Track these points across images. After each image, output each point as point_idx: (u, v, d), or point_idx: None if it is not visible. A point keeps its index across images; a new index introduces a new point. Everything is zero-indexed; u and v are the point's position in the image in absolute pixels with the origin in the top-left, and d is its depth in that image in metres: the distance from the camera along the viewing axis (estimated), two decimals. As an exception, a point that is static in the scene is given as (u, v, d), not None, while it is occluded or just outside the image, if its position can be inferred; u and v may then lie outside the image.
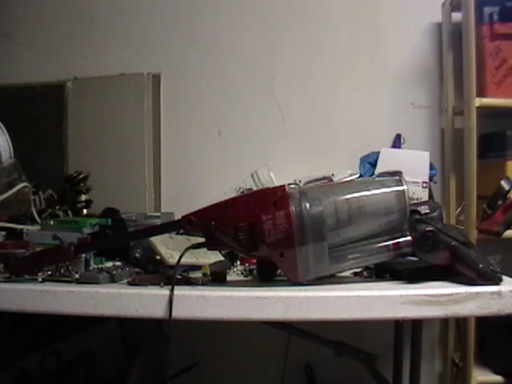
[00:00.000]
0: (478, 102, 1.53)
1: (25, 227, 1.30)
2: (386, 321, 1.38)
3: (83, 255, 1.06)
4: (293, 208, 0.94)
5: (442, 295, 0.88)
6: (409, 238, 0.97)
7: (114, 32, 1.94)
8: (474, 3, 1.53)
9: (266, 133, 1.87)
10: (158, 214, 1.59)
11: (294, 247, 0.94)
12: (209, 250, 1.04)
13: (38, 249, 1.10)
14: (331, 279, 0.98)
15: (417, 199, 1.48)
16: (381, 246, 0.98)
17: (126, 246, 1.17)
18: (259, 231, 0.94)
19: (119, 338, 1.75)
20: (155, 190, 1.87)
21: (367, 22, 1.85)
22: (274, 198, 0.96)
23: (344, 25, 1.86)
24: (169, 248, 1.13)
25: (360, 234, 0.98)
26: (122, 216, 1.41)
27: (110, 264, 1.17)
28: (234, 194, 1.56)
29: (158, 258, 1.12)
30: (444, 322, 1.76)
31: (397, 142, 1.75)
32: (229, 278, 1.08)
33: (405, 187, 0.99)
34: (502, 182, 1.45)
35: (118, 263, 1.18)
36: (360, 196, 0.98)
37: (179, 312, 0.90)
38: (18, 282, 1.00)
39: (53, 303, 0.94)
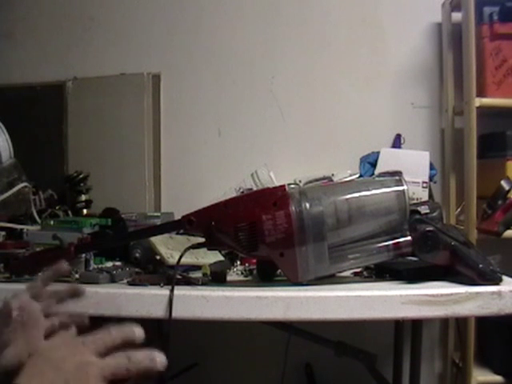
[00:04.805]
0: (478, 101, 1.53)
1: (25, 227, 1.30)
2: (386, 321, 1.38)
3: (83, 255, 1.06)
4: (293, 208, 0.94)
5: (442, 295, 0.88)
6: (409, 238, 0.97)
7: (114, 32, 1.94)
8: (474, 3, 1.53)
9: (265, 133, 1.87)
10: (158, 213, 1.59)
11: (294, 247, 0.94)
12: (209, 250, 1.04)
13: (38, 249, 1.10)
14: (331, 279, 0.98)
15: (417, 199, 1.48)
16: (381, 246, 0.98)
17: (125, 246, 1.17)
18: (259, 231, 0.94)
19: (119, 338, 1.74)
20: (155, 189, 1.87)
21: (367, 22, 1.85)
22: (274, 197, 0.96)
23: (344, 25, 1.86)
24: (169, 248, 1.13)
25: (360, 234, 0.98)
26: (122, 216, 1.41)
27: (110, 264, 1.17)
28: (234, 194, 1.56)
29: (158, 257, 1.12)
30: (444, 321, 1.76)
31: (397, 142, 1.75)
32: (229, 278, 1.08)
33: (405, 187, 0.99)
34: (502, 182, 1.45)
35: (117, 263, 1.18)
36: (360, 196, 0.98)
37: (179, 312, 0.90)
38: (18, 282, 1.00)
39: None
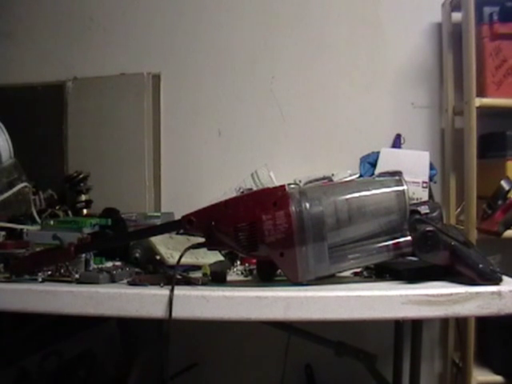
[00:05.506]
0: (478, 101, 1.53)
1: (25, 227, 1.30)
2: (386, 321, 1.38)
3: (83, 255, 1.06)
4: (293, 208, 0.94)
5: (441, 295, 0.88)
6: (409, 238, 0.97)
7: (114, 32, 1.94)
8: (474, 3, 1.53)
9: (265, 133, 1.87)
10: (158, 213, 1.59)
11: (294, 247, 0.94)
12: (209, 250, 1.04)
13: (38, 249, 1.10)
14: (331, 279, 0.98)
15: (417, 199, 1.48)
16: (381, 246, 0.98)
17: (125, 246, 1.17)
18: (259, 231, 0.94)
19: (119, 338, 1.75)
20: (155, 189, 1.87)
21: (367, 22, 1.85)
22: (274, 198, 0.96)
23: (344, 24, 1.86)
24: (169, 248, 1.13)
25: (360, 233, 0.98)
26: (122, 216, 1.41)
27: (110, 264, 1.17)
28: (234, 194, 1.56)
29: (158, 257, 1.12)
30: (444, 321, 1.76)
31: (397, 142, 1.75)
32: (229, 278, 1.08)
33: (405, 187, 0.99)
34: (502, 182, 1.45)
35: (117, 263, 1.18)
36: (360, 196, 0.98)
37: (179, 312, 0.90)
38: (18, 281, 1.00)
39: (53, 303, 0.94)
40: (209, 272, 1.04)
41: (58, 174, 1.84)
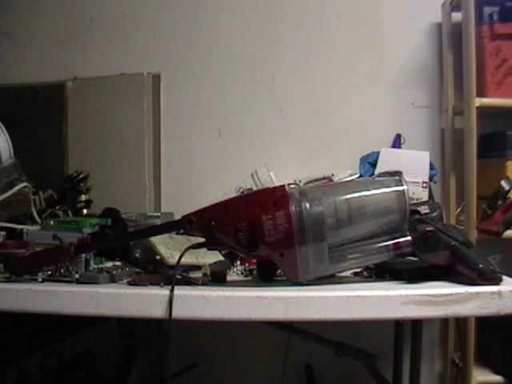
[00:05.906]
0: (478, 101, 1.53)
1: (25, 227, 1.30)
2: (386, 321, 1.38)
3: (83, 255, 1.06)
4: (293, 208, 0.94)
5: (441, 295, 0.88)
6: (409, 238, 0.97)
7: (114, 32, 1.94)
8: (474, 3, 1.53)
9: (265, 133, 1.87)
10: (158, 213, 1.60)
11: (294, 247, 0.94)
12: (209, 250, 1.04)
13: (38, 249, 1.10)
14: (331, 279, 0.98)
15: (417, 199, 1.48)
16: (381, 246, 0.98)
17: (125, 246, 1.17)
18: (259, 231, 0.94)
19: (119, 338, 1.75)
20: (155, 190, 1.87)
21: (367, 22, 1.85)
22: (274, 197, 0.96)
23: (344, 24, 1.86)
24: (169, 248, 1.13)
25: (360, 233, 0.98)
26: (122, 216, 1.41)
27: (110, 264, 1.17)
28: (233, 194, 1.56)
29: (158, 257, 1.12)
30: (444, 321, 1.76)
31: (397, 142, 1.75)
32: (229, 278, 1.08)
33: (405, 187, 0.99)
34: (502, 182, 1.45)
35: (117, 263, 1.18)
36: (360, 196, 0.98)
37: (179, 312, 0.90)
38: (18, 281, 1.00)
39: (53, 303, 0.94)
40: (209, 272, 1.04)
41: (58, 174, 1.84)
